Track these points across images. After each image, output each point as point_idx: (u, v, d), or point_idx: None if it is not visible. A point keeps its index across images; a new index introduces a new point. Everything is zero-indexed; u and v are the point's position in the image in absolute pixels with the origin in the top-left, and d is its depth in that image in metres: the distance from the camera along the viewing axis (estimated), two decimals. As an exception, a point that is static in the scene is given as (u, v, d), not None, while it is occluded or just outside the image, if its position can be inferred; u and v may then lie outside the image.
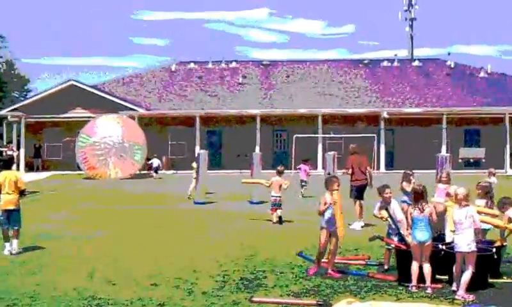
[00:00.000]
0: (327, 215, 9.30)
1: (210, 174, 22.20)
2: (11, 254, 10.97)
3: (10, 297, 8.05)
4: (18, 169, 36.81)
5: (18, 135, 37.96)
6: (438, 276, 8.65)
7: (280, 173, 15.82)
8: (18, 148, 37.60)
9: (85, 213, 17.44)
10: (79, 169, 33.23)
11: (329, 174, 17.02)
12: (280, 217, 15.02)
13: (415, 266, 8.49)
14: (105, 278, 9.09)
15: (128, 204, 19.53)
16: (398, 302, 7.76)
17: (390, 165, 36.58)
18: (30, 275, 9.38)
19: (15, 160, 36.03)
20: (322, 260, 9.73)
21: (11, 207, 11.20)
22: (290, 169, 34.62)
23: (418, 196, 8.69)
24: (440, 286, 8.50)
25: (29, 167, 38.20)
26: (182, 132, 38.82)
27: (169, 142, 39.07)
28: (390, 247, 9.52)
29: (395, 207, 9.63)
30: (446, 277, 8.65)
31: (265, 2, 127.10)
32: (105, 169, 32.21)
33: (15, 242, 11.13)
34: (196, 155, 21.24)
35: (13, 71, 53.69)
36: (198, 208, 18.38)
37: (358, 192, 14.77)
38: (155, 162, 34.09)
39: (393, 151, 38.64)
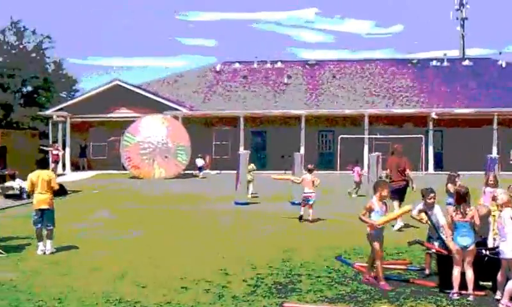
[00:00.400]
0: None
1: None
2: (44, 254, 10.85)
3: (37, 298, 7.87)
4: (64, 168, 37.39)
5: (64, 135, 38.43)
6: (481, 283, 8.11)
7: (310, 171, 16.02)
8: (64, 148, 38.04)
9: (124, 213, 17.31)
10: (124, 168, 33.41)
11: (380, 177, 16.59)
12: (301, 216, 15.21)
13: (456, 272, 7.99)
14: (135, 280, 8.83)
15: (168, 204, 19.35)
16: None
17: (438, 166, 35.58)
18: (60, 276, 9.20)
19: (60, 159, 36.58)
20: (359, 264, 9.30)
21: (45, 206, 11.06)
22: (336, 170, 34.20)
23: (460, 199, 8.17)
24: (482, 293, 7.95)
25: (75, 167, 38.64)
26: (226, 132, 38.68)
27: (214, 142, 38.97)
28: (430, 252, 9.02)
29: (438, 212, 9.09)
30: (490, 283, 8.10)
31: (313, 2, 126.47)
32: (149, 168, 32.29)
33: (48, 242, 11.00)
34: (238, 155, 20.83)
35: (61, 72, 54.47)
36: (239, 209, 18.07)
37: (394, 194, 14.19)
38: (200, 161, 34.15)
39: (442, 152, 37.70)
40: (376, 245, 8.58)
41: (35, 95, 48.72)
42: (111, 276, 9.10)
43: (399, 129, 36.39)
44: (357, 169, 23.07)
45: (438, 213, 9.07)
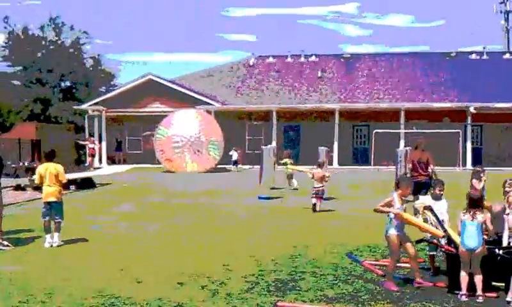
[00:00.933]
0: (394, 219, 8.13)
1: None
2: (51, 246, 10.74)
3: (29, 292, 7.72)
4: (100, 162, 37.70)
5: (100, 129, 38.76)
6: (493, 283, 7.64)
7: (320, 166, 16.61)
8: (100, 142, 38.38)
9: (147, 206, 17.18)
10: (159, 162, 33.50)
11: (405, 173, 16.18)
12: (314, 205, 15.57)
13: (463, 273, 7.55)
14: (134, 276, 8.59)
15: (193, 199, 19.13)
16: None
17: (477, 162, 34.42)
18: (60, 269, 9.05)
19: (97, 153, 36.90)
20: (369, 262, 8.88)
21: (52, 199, 10.95)
22: (370, 165, 33.58)
23: (473, 204, 7.70)
24: (494, 295, 7.47)
25: (112, 161, 38.98)
26: (259, 126, 38.41)
27: (247, 137, 38.73)
28: (432, 253, 8.62)
29: (443, 206, 8.64)
30: (503, 284, 7.61)
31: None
32: (181, 162, 32.31)
33: (56, 234, 10.90)
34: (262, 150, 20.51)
35: (100, 67, 54.96)
36: (261, 204, 17.74)
37: (415, 188, 13.64)
38: (235, 155, 34.19)
39: (481, 147, 36.70)
40: (394, 238, 8.08)
41: (73, 90, 49.29)
42: (112, 271, 8.90)
43: (437, 124, 35.51)
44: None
45: (443, 207, 8.63)
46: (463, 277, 7.53)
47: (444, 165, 31.91)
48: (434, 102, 36.12)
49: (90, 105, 39.22)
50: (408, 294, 7.64)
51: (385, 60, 42.33)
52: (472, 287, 7.45)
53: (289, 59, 43.35)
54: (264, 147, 20.75)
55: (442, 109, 36.07)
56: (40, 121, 43.73)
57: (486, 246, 7.64)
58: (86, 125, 39.38)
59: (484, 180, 12.88)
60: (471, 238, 7.50)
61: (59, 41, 49.55)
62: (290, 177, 21.12)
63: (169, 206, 17.14)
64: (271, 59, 43.62)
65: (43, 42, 48.90)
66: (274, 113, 36.69)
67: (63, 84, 49.59)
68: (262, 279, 8.37)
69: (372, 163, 33.61)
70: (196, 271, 8.81)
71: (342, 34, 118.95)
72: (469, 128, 35.45)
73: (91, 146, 36.79)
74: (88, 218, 14.39)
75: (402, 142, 34.90)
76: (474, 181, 12.32)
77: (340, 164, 35.38)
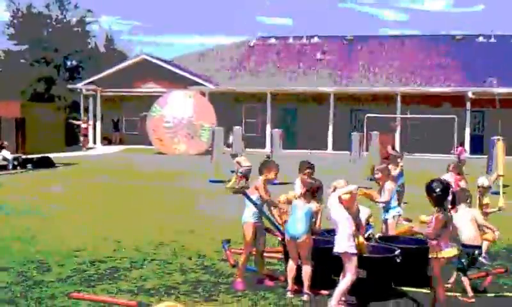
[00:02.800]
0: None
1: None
2: None
3: None
4: (94, 142, 37.59)
5: (95, 109, 38.56)
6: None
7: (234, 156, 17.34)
8: (95, 122, 38.22)
9: (83, 187, 16.85)
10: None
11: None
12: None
13: (290, 263, 6.94)
14: (26, 258, 8.27)
15: (147, 181, 18.76)
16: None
17: (477, 149, 33.31)
18: None
19: (90, 132, 36.79)
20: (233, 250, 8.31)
21: None
22: (362, 151, 32.55)
23: (311, 191, 7.01)
24: (327, 293, 6.80)
25: (108, 141, 38.84)
26: (255, 109, 37.79)
27: (244, 120, 38.04)
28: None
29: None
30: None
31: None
32: (171, 143, 32.03)
33: None
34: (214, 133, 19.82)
35: (112, 46, 54.78)
36: (206, 188, 17.19)
37: None
38: (231, 138, 33.74)
39: (482, 135, 35.38)
40: (250, 226, 7.32)
41: (80, 69, 49.18)
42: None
43: (436, 109, 34.39)
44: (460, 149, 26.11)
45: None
46: (290, 268, 6.91)
47: (438, 152, 31.03)
48: (431, 87, 34.98)
49: (85, 84, 38.98)
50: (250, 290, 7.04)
51: (389, 42, 41.11)
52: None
53: (291, 40, 42.49)
54: (215, 129, 20.14)
55: (440, 94, 34.92)
56: (43, 100, 43.75)
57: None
58: (82, 105, 39.21)
59: (401, 166, 12.24)
60: (293, 225, 6.84)
61: (64, 20, 49.39)
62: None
63: (108, 188, 16.75)
64: (272, 40, 42.82)
65: (48, 20, 48.80)
66: (269, 95, 36.03)
67: (68, 63, 49.49)
68: (90, 268, 7.87)
69: (364, 149, 32.57)
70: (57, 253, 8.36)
71: (380, 19, 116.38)
72: (468, 114, 34.26)
73: (83, 125, 36.68)
74: (6, 198, 14.11)
75: (398, 128, 34.04)
76: (390, 167, 11.69)
77: (334, 149, 34.61)
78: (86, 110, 39.22)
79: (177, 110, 32.39)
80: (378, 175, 8.93)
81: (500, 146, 11.31)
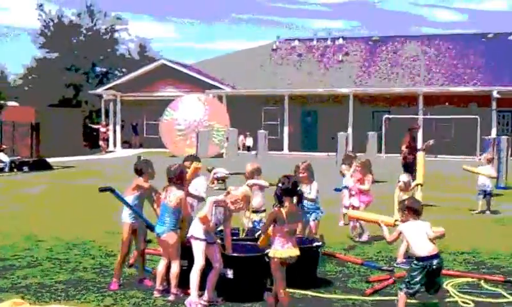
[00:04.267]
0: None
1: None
2: None
3: None
4: (114, 145, 37.75)
5: (115, 113, 38.72)
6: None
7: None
8: (115, 126, 38.38)
9: (61, 189, 16.66)
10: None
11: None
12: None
13: (162, 262, 6.48)
14: None
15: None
16: None
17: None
18: None
19: (109, 137, 36.99)
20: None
21: None
22: (381, 153, 31.55)
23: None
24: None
25: (129, 145, 39.00)
26: (275, 111, 37.24)
27: (263, 123, 37.47)
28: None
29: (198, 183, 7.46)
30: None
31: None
32: (183, 146, 31.79)
33: None
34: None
35: (145, 53, 55.10)
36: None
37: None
38: (248, 140, 33.68)
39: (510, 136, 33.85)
40: (127, 227, 6.92)
41: (109, 75, 49.65)
42: None
43: (462, 109, 33.11)
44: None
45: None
46: (159, 266, 6.42)
47: (460, 154, 29.76)
48: (454, 87, 33.74)
49: (105, 89, 39.26)
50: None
51: (413, 43, 39.85)
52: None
53: (314, 42, 41.75)
54: (200, 131, 19.69)
55: (465, 94, 33.62)
56: (71, 106, 44.14)
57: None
58: (102, 109, 39.49)
59: (356, 166, 11.51)
60: (159, 222, 6.38)
61: (94, 28, 49.96)
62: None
63: (81, 190, 16.34)
64: (296, 43, 42.14)
65: (79, 29, 49.43)
66: (287, 98, 35.47)
67: (98, 69, 50.04)
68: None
69: (383, 151, 31.60)
70: None
71: (434, 20, 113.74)
72: (494, 114, 32.87)
73: (102, 130, 36.89)
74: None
75: (420, 129, 32.86)
76: (343, 166, 11.16)
77: (355, 151, 33.62)
78: (107, 114, 39.48)
79: (189, 114, 32.39)
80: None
81: (420, 156, 10.94)
